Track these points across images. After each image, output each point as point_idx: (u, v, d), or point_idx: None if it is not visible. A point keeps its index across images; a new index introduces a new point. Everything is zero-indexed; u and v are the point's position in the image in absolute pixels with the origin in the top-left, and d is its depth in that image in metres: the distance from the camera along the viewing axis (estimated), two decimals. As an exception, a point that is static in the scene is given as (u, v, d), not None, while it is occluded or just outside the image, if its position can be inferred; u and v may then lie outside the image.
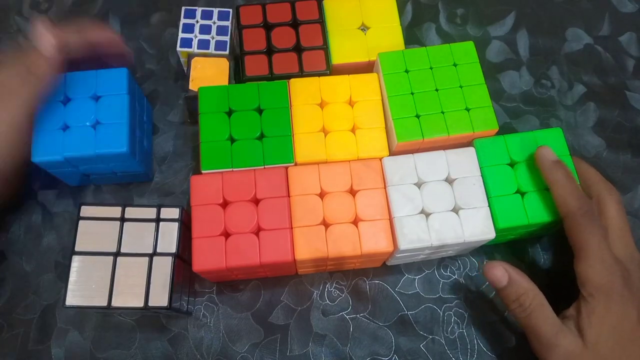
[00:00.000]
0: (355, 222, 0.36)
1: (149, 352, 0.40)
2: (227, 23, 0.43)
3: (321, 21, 0.43)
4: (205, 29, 0.43)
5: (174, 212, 0.37)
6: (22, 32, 0.50)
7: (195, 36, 0.42)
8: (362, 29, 0.43)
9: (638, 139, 0.47)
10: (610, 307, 0.33)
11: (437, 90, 0.39)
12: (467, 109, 0.39)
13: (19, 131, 0.36)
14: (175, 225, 0.36)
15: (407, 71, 0.40)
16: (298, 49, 0.42)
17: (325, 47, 0.42)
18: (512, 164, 0.38)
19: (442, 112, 0.39)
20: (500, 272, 0.35)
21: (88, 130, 0.38)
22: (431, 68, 0.40)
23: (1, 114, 0.35)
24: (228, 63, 0.41)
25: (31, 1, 0.52)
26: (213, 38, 0.42)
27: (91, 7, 0.51)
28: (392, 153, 0.39)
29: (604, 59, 0.50)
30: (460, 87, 0.40)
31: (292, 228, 0.36)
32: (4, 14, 0.51)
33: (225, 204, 0.37)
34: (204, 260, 0.35)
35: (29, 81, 0.36)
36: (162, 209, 0.37)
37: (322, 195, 0.37)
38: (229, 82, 0.41)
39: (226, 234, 0.36)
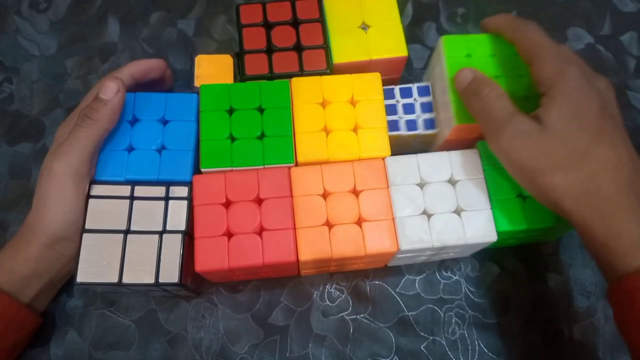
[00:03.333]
0: (359, 222, 0.36)
1: (148, 353, 0.39)
2: (429, 99, 0.40)
3: (321, 20, 0.43)
4: (409, 109, 0.40)
5: (183, 191, 0.37)
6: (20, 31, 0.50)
7: (400, 117, 0.40)
8: (362, 28, 0.43)
9: (639, 139, 0.47)
10: (570, 95, 0.32)
11: None
12: None
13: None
14: (184, 203, 0.36)
15: None
16: (298, 48, 0.42)
17: (325, 46, 0.42)
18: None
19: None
20: (468, 71, 0.35)
21: (153, 155, 0.38)
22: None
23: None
24: (232, 60, 0.41)
25: (30, 1, 0.51)
26: (419, 117, 0.40)
27: (90, 7, 0.51)
28: (393, 153, 0.39)
29: (605, 59, 0.50)
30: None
31: (295, 228, 0.36)
32: (4, 13, 0.51)
33: (227, 204, 0.36)
34: (206, 260, 0.35)
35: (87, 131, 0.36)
36: (171, 187, 0.37)
37: (325, 195, 0.37)
38: (234, 79, 0.41)
39: (229, 234, 0.36)
